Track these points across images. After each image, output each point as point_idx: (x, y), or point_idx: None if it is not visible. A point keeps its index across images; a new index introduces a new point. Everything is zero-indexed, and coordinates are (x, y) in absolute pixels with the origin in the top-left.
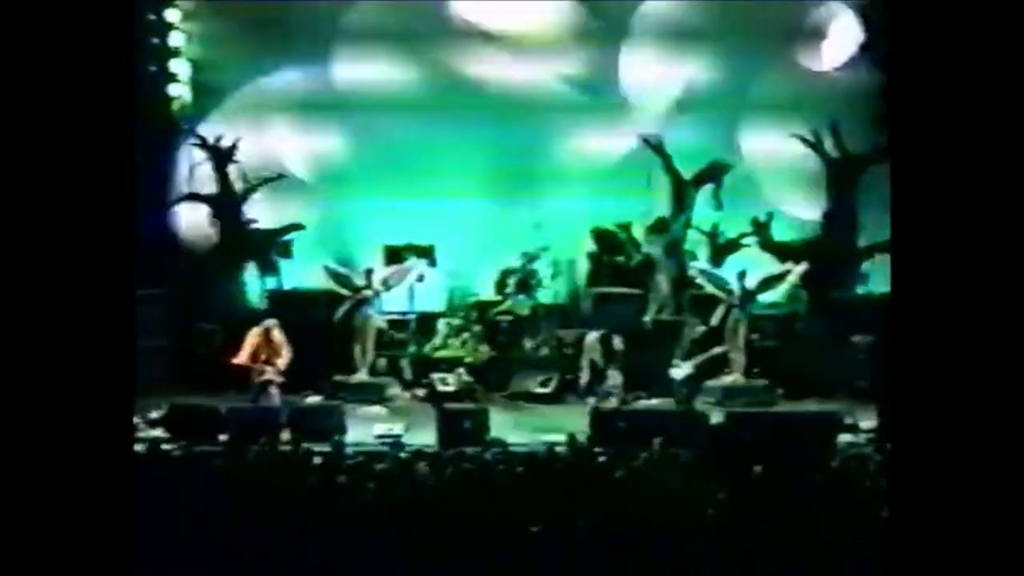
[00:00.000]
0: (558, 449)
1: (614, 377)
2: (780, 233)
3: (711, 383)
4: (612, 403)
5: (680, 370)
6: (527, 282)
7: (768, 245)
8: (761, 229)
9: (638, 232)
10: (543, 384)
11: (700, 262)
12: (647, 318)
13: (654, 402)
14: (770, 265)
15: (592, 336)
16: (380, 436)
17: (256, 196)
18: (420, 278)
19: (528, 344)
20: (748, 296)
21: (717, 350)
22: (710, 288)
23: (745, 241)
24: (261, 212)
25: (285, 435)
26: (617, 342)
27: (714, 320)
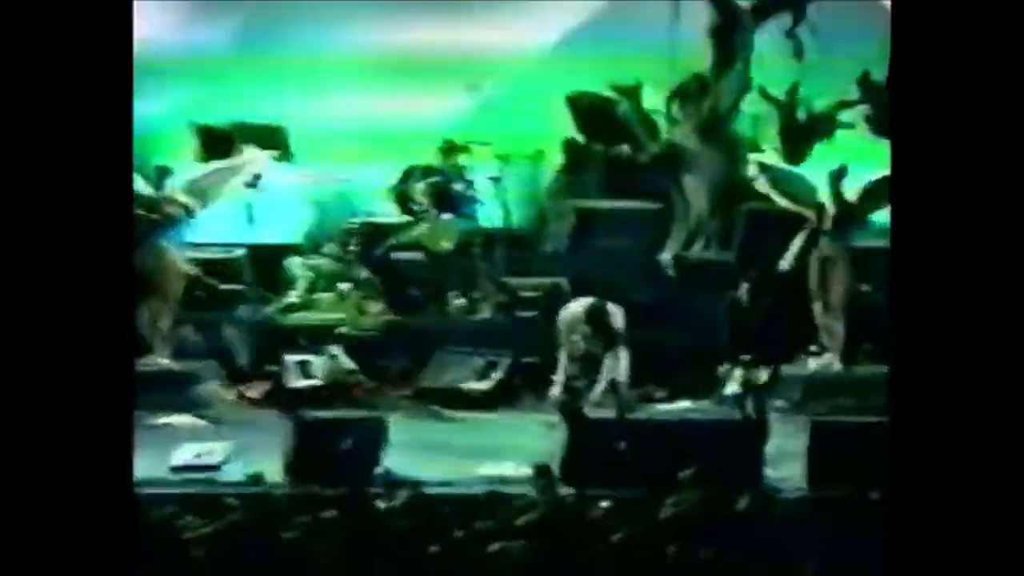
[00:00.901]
0: (509, 491)
1: (612, 364)
2: None
3: (789, 370)
4: (606, 407)
5: (734, 380)
6: (450, 191)
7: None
8: (872, 94)
9: (653, 99)
10: (481, 375)
11: (764, 154)
12: (667, 255)
13: (683, 405)
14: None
15: (574, 309)
16: (181, 467)
17: None
18: (254, 181)
19: (455, 301)
20: (849, 214)
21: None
22: (780, 200)
23: (845, 116)
24: None
25: None
26: (616, 317)
27: (786, 260)
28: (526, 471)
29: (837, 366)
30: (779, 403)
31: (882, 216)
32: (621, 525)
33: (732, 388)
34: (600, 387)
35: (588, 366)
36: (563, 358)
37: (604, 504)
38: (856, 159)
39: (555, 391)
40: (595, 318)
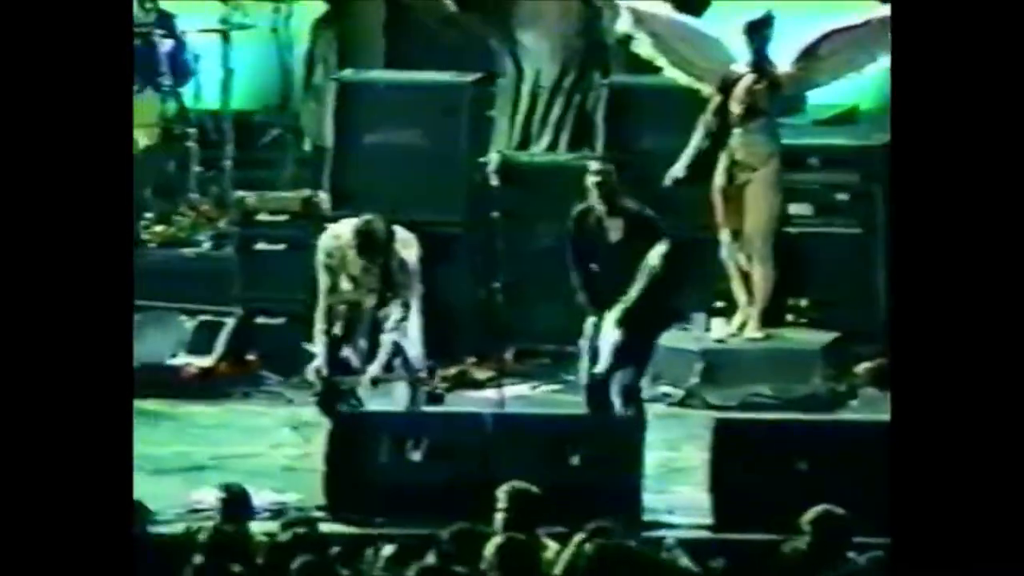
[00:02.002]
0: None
1: (398, 323)
2: None
3: (678, 338)
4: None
5: (587, 352)
6: (154, 52)
7: None
8: None
9: None
10: (193, 345)
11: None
12: (492, 156)
13: (514, 391)
14: None
15: (337, 233)
16: None
17: None
18: None
19: (154, 227)
20: (776, 91)
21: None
22: (670, 69)
23: None
24: None
25: None
26: (405, 249)
27: (677, 165)
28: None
29: (755, 331)
30: (664, 390)
31: (832, 95)
32: None
33: (585, 365)
34: (380, 361)
35: (362, 326)
36: (322, 315)
37: (386, 551)
38: (790, 8)
39: (311, 369)
40: (370, 247)
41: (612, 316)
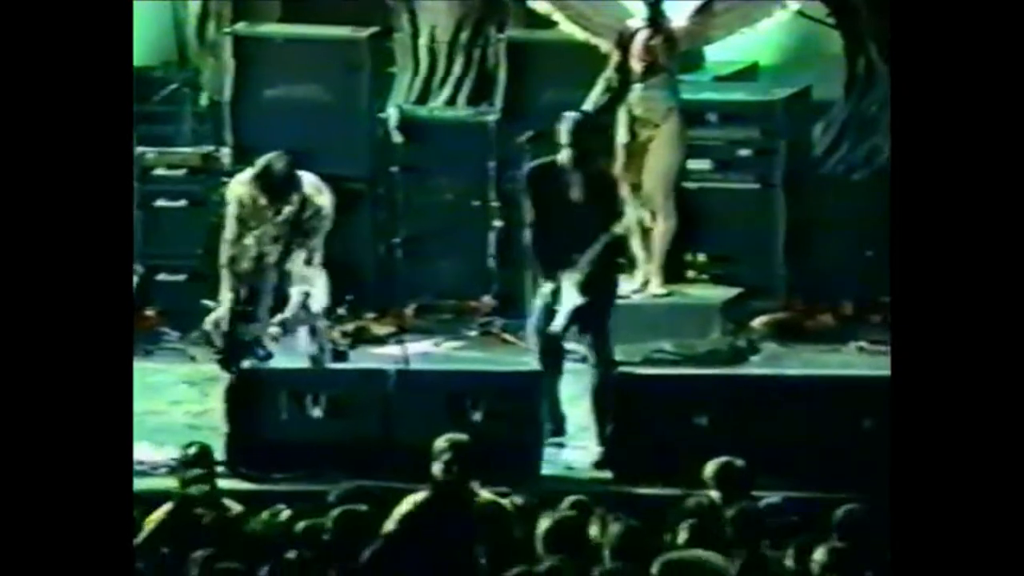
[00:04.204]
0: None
1: (303, 275)
2: None
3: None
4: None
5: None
6: None
7: None
8: None
9: None
10: None
11: None
12: (392, 110)
13: (420, 346)
14: None
15: (241, 181)
16: None
17: None
18: None
19: None
20: (672, 45)
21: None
22: (568, 25)
23: None
24: None
25: None
26: (315, 195)
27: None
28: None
29: (658, 287)
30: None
31: (731, 52)
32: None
33: (538, 326)
34: (291, 308)
35: (266, 282)
36: (227, 263)
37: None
38: None
39: (210, 320)
40: (272, 185)
41: (574, 279)
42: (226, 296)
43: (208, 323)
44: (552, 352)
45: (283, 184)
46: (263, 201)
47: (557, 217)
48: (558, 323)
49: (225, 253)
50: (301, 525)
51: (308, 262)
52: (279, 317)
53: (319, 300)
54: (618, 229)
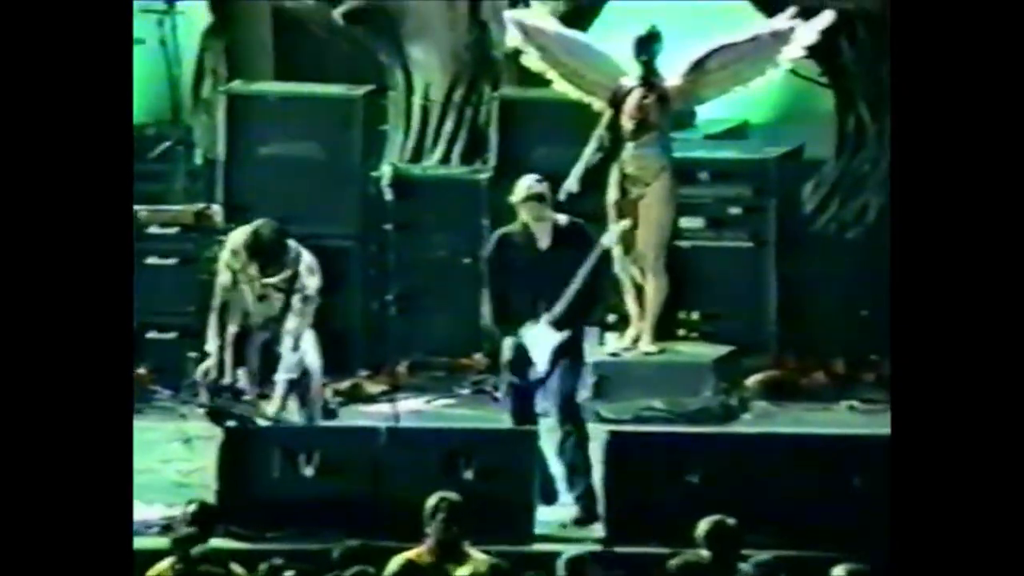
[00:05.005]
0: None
1: (295, 334)
2: None
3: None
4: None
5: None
6: None
7: None
8: None
9: None
10: None
11: (529, 9)
12: (385, 168)
13: (411, 404)
14: None
15: (235, 240)
16: None
17: None
18: None
19: None
20: (664, 104)
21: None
22: (560, 82)
23: None
24: None
25: None
26: (301, 262)
27: (570, 179)
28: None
29: (649, 345)
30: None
31: (722, 110)
32: None
33: (508, 378)
34: (278, 396)
35: (254, 342)
36: (216, 313)
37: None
38: (682, 23)
39: (200, 371)
40: (260, 251)
41: (547, 318)
42: (214, 344)
43: (199, 373)
44: (522, 404)
45: (273, 251)
46: (252, 270)
47: (524, 273)
48: (541, 367)
49: (216, 300)
50: None
51: (299, 318)
52: (269, 410)
53: (313, 361)
54: (605, 240)
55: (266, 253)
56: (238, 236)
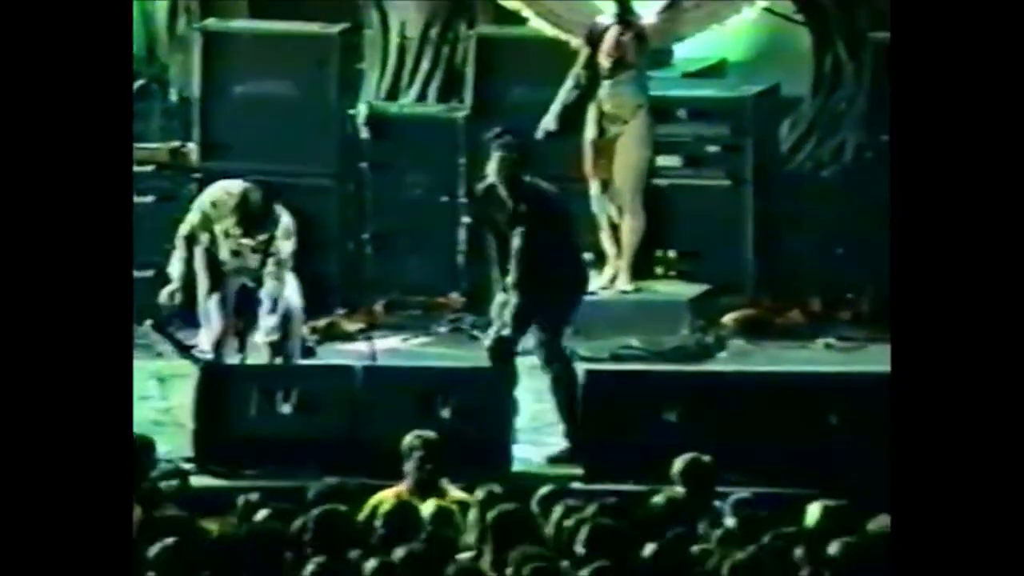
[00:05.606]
0: None
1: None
2: None
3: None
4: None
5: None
6: None
7: None
8: None
9: None
10: None
11: None
12: (361, 107)
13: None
14: None
15: (221, 192)
16: None
17: None
18: None
19: None
20: (642, 42)
21: None
22: (537, 20)
23: None
24: None
25: None
26: (279, 217)
27: (548, 117)
28: None
29: (626, 283)
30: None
31: (700, 49)
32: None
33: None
34: (270, 321)
35: (228, 289)
36: (182, 240)
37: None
38: None
39: (165, 293)
40: (244, 213)
41: (509, 280)
42: (177, 269)
43: (163, 295)
44: (499, 350)
45: (258, 216)
46: (230, 226)
47: (501, 232)
48: (506, 328)
49: (183, 230)
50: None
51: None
52: (260, 339)
53: (295, 303)
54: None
55: (251, 217)
56: (221, 193)
